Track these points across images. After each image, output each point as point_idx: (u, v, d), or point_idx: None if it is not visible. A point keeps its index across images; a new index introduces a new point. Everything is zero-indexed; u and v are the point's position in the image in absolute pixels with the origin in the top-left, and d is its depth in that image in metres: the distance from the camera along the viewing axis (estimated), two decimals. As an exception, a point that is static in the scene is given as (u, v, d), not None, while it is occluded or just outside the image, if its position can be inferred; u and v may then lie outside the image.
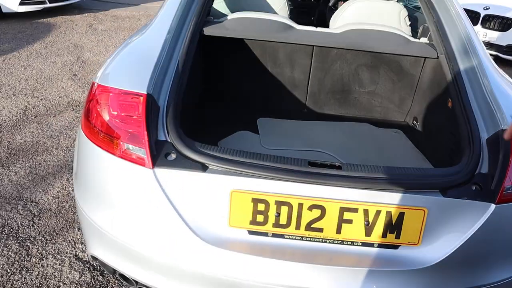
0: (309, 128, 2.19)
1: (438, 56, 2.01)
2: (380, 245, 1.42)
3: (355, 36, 2.08)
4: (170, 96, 1.55)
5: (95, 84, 1.64)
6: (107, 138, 1.51)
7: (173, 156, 1.41)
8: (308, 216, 1.38)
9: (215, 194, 1.39)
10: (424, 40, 2.19)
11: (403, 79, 2.25)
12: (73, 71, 4.72)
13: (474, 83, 1.76)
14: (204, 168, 1.39)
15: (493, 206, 1.39)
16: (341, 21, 2.37)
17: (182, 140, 1.42)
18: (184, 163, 1.39)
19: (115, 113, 1.50)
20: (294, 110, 2.34)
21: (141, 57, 1.71)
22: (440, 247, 1.40)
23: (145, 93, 1.49)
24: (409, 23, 2.43)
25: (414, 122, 2.30)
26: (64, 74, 4.61)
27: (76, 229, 2.52)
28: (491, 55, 6.53)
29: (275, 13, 2.51)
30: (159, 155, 1.42)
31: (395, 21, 2.37)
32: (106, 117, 1.52)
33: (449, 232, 1.40)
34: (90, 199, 1.60)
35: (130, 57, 1.77)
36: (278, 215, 1.38)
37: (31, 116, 3.73)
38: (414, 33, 2.50)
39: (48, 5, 6.50)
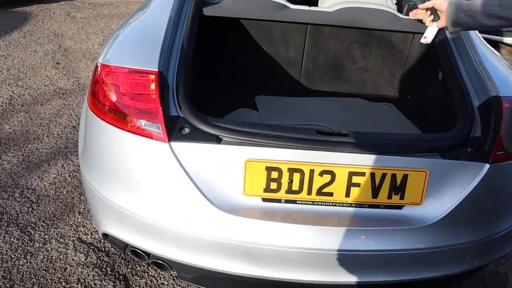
0: (305, 104, 2.27)
1: None
2: (386, 206, 1.51)
3: (347, 14, 2.15)
4: (178, 73, 1.59)
5: (99, 65, 1.67)
6: (119, 116, 1.54)
7: (187, 130, 1.47)
8: (319, 181, 1.46)
9: (230, 164, 1.46)
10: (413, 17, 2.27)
11: (393, 55, 2.35)
12: (56, 59, 4.66)
13: (463, 54, 1.86)
14: (218, 140, 1.45)
15: (487, 165, 1.50)
16: (330, 1, 2.44)
17: (194, 114, 1.48)
18: (198, 136, 1.45)
19: (126, 91, 1.54)
20: (289, 87, 2.41)
21: (146, 35, 1.74)
22: (441, 205, 1.51)
23: (157, 70, 1.53)
24: (395, 1, 2.52)
25: (405, 95, 2.41)
26: (47, 63, 4.55)
27: (77, 213, 2.55)
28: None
29: None
30: (174, 129, 1.47)
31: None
32: (115, 96, 1.56)
33: (449, 191, 1.51)
34: (102, 176, 1.64)
35: (134, 36, 1.80)
36: (290, 181, 1.45)
37: (18, 105, 3.69)
38: (400, 11, 2.58)
39: (22, -7, 6.36)
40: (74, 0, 6.98)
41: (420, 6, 1.88)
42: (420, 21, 2.19)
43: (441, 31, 1.98)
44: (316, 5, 2.56)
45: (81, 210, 2.58)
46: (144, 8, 2.07)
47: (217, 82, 2.27)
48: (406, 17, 2.26)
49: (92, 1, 7.05)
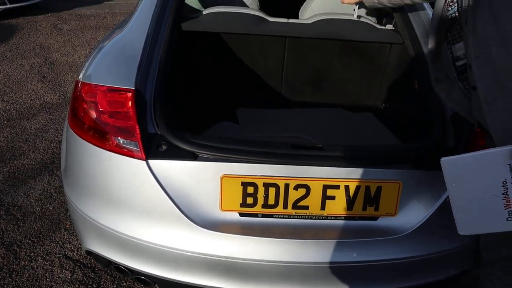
0: (286, 115, 2.30)
1: (403, 42, 2.15)
2: (361, 218, 1.54)
3: (325, 26, 2.19)
4: (155, 90, 1.62)
5: (80, 83, 1.69)
6: (97, 134, 1.57)
7: (164, 147, 1.49)
8: (294, 195, 1.49)
9: (207, 180, 1.48)
10: (389, 27, 2.32)
11: (372, 65, 2.39)
12: (42, 73, 4.67)
13: None
14: (194, 156, 1.47)
15: (459, 175, 1.53)
16: (309, 12, 2.48)
17: (171, 131, 1.50)
18: (175, 153, 1.47)
19: (104, 109, 1.56)
20: (270, 99, 2.44)
21: (124, 53, 1.77)
22: (415, 216, 1.54)
23: (133, 88, 1.55)
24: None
25: (384, 104, 2.44)
26: (33, 77, 4.56)
27: (63, 230, 2.55)
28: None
29: (246, 5, 2.59)
30: (151, 147, 1.49)
31: (361, 9, 2.50)
32: (95, 114, 1.58)
33: (423, 201, 1.54)
34: (83, 194, 1.66)
35: (113, 54, 1.82)
36: (266, 196, 1.48)
37: (3, 120, 3.69)
38: (379, 21, 2.63)
39: (9, 6, 6.34)
40: (61, 11, 6.98)
41: None
42: (397, 31, 2.24)
43: (417, 43, 2.02)
44: (296, 16, 2.60)
45: (67, 226, 2.58)
46: (124, 23, 2.09)
47: (198, 96, 2.29)
48: (383, 27, 2.30)
49: (79, 12, 7.06)
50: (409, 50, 2.06)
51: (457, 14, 1.40)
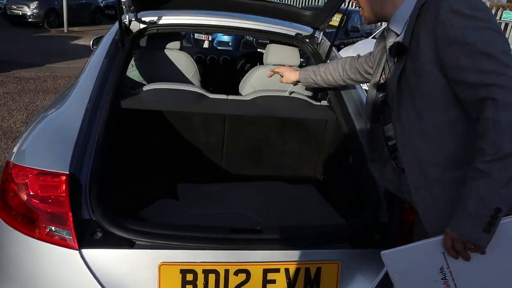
0: (227, 190, 2.31)
1: (337, 118, 2.26)
2: (303, 301, 1.54)
3: (264, 103, 2.28)
4: (91, 173, 1.57)
5: (11, 164, 1.62)
6: (26, 221, 1.48)
7: (99, 234, 1.43)
8: (234, 281, 1.46)
9: (144, 269, 1.43)
10: (324, 102, 2.45)
11: (309, 138, 2.49)
12: (-27, 139, 4.42)
13: None
14: (131, 244, 1.43)
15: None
16: (249, 87, 2.58)
17: (107, 217, 1.45)
18: (110, 240, 1.42)
19: (35, 194, 1.49)
20: (212, 174, 2.45)
21: (59, 133, 1.71)
22: (355, 295, 1.56)
23: (67, 172, 1.50)
24: None
25: (322, 176, 2.52)
26: (-37, 144, 4.30)
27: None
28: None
29: (187, 79, 2.65)
30: (85, 235, 1.43)
31: (297, 84, 2.63)
32: (25, 198, 1.50)
33: (362, 280, 1.57)
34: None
35: (48, 133, 1.75)
36: (206, 283, 1.45)
37: None
38: (316, 92, 2.77)
39: None
40: (-2, 74, 6.78)
41: (272, 70, 2.41)
42: (331, 108, 2.37)
43: (349, 120, 2.14)
44: (236, 88, 2.69)
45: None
46: (63, 97, 2.05)
47: (138, 173, 2.26)
48: (318, 103, 2.43)
49: (18, 75, 6.88)
50: (343, 126, 2.17)
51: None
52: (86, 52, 5.29)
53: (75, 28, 12.88)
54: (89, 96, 1.88)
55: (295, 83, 2.34)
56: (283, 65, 2.42)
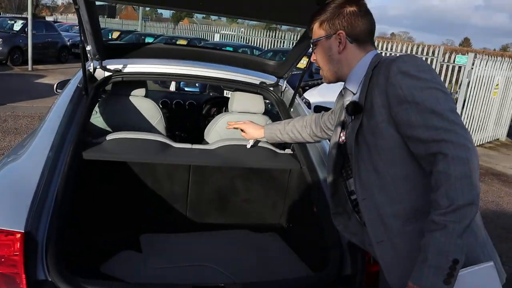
0: (191, 240, 2.27)
1: (301, 167, 2.30)
2: None
3: (228, 152, 2.29)
4: (49, 230, 1.52)
5: None
6: (-25, 283, 1.41)
7: None
8: None
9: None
10: (288, 151, 2.49)
11: (274, 187, 2.50)
12: None
13: None
14: None
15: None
16: (214, 134, 2.60)
17: (64, 278, 1.40)
18: None
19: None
20: (176, 222, 2.41)
21: (17, 186, 1.65)
22: None
23: (23, 230, 1.44)
24: None
25: (287, 224, 2.53)
26: None
27: None
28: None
29: (152, 126, 2.64)
30: None
31: None
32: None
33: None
34: None
35: (4, 186, 1.69)
36: None
37: None
38: (279, 144, 2.82)
39: None
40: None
41: (232, 124, 2.33)
42: (295, 156, 2.40)
43: (313, 169, 2.18)
44: (202, 134, 2.70)
45: None
46: (21, 147, 2.00)
47: (99, 225, 2.20)
48: (282, 151, 2.46)
49: (-24, 114, 6.69)
50: (307, 176, 2.20)
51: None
52: (50, 91, 5.21)
53: (40, 66, 12.74)
54: (50, 146, 1.84)
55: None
56: (244, 122, 2.29)
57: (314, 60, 1.60)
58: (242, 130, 2.28)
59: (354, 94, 1.48)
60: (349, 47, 1.48)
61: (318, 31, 1.53)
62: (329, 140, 1.73)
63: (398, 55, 1.44)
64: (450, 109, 1.26)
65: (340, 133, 1.58)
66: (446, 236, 1.17)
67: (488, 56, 8.90)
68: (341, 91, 1.62)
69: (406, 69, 1.30)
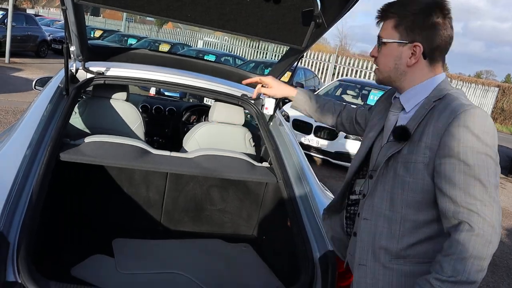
0: (164, 247, 2.27)
1: (277, 181, 2.33)
2: None
3: (206, 162, 2.31)
4: (22, 231, 1.50)
5: None
6: None
7: None
8: None
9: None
10: (265, 164, 2.52)
11: (249, 198, 2.53)
12: None
13: (307, 207, 2.09)
14: None
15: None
16: (192, 142, 2.61)
17: (34, 280, 1.38)
18: None
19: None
20: (150, 228, 2.41)
21: None
22: None
23: None
24: (253, 144, 2.79)
25: (261, 236, 2.56)
26: None
27: None
28: (322, 159, 7.32)
29: (131, 131, 2.64)
30: None
31: (241, 143, 2.70)
32: None
33: None
34: None
35: None
36: None
37: None
38: (258, 151, 2.85)
39: None
40: None
41: (253, 78, 1.96)
42: (272, 170, 2.44)
43: (289, 184, 2.21)
44: (180, 142, 2.71)
45: None
46: None
47: (72, 226, 2.18)
48: (260, 164, 2.49)
49: None
50: (282, 190, 2.24)
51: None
52: (27, 85, 5.11)
53: (18, 60, 12.45)
54: (27, 146, 1.82)
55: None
56: (266, 76, 1.98)
57: (373, 56, 1.42)
58: (263, 86, 1.89)
59: (405, 111, 1.38)
60: (420, 63, 1.34)
61: (391, 31, 1.35)
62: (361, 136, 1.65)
63: (465, 96, 1.33)
64: (495, 185, 1.20)
65: (375, 139, 1.48)
66: None
67: (463, 83, 9.19)
68: (390, 93, 1.52)
69: (472, 126, 1.20)
